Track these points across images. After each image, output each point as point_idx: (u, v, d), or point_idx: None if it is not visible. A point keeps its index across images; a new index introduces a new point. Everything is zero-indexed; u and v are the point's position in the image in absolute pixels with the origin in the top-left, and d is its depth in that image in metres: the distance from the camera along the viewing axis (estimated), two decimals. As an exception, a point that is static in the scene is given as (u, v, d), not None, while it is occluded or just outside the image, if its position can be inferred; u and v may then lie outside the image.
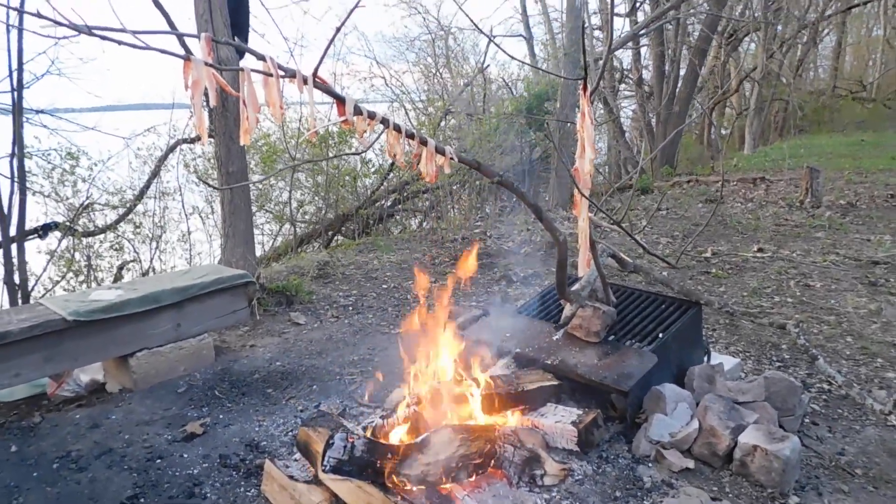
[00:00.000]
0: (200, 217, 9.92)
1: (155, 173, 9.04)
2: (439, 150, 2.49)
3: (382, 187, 10.57)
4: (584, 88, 1.97)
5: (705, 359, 3.36)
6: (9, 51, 7.36)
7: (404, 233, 8.42)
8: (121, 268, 9.04)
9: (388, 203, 10.42)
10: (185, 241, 9.47)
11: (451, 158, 2.50)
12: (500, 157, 9.16)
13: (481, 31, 4.00)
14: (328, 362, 3.86)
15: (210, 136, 9.04)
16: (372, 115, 2.33)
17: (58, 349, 3.22)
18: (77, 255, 8.75)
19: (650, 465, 2.56)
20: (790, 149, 18.59)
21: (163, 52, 1.66)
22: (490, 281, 5.39)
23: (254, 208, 10.32)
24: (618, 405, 2.76)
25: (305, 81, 2.18)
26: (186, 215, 9.53)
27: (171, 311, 3.59)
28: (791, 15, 18.20)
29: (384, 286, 5.35)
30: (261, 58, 2.12)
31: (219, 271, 3.90)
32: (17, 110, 7.48)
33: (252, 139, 10.05)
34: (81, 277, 8.62)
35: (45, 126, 8.00)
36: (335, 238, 11.07)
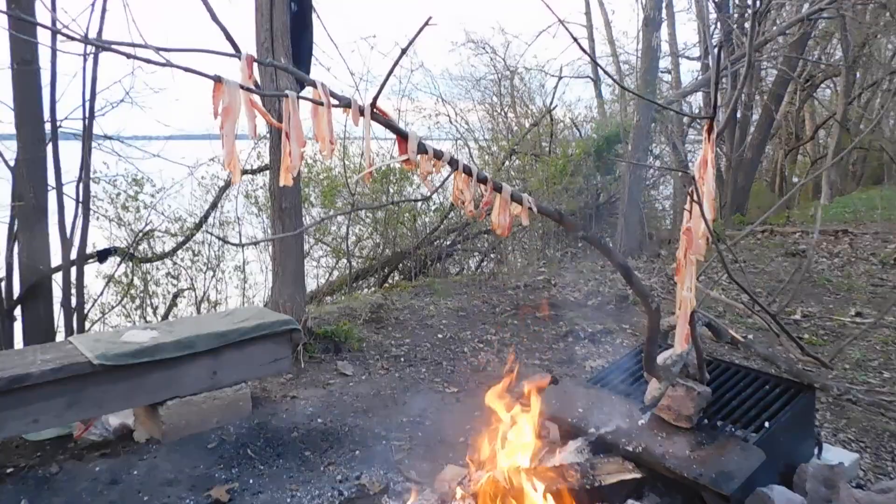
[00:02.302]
0: (257, 248, 9.81)
1: (215, 203, 8.97)
2: (515, 199, 2.11)
3: (442, 226, 10.28)
4: (709, 129, 1.57)
5: (815, 451, 2.83)
6: (84, 80, 7.45)
7: (462, 275, 8.04)
8: (176, 296, 8.96)
9: (447, 242, 10.09)
10: (242, 271, 9.36)
11: (530, 208, 2.12)
12: (567, 199, 8.75)
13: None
14: (374, 423, 3.47)
15: (265, 168, 8.93)
16: (438, 155, 1.97)
17: (82, 394, 2.95)
18: (135, 281, 8.73)
19: None
20: (868, 200, 17.50)
21: (187, 70, 1.35)
22: (555, 336, 4.93)
23: (311, 240, 10.17)
24: (715, 511, 2.28)
25: (362, 112, 1.85)
26: (243, 246, 9.42)
27: (208, 358, 3.28)
28: (874, 60, 17.32)
29: (439, 335, 4.96)
30: (311, 84, 1.80)
31: (262, 315, 3.60)
32: (87, 136, 7.54)
33: (315, 172, 9.90)
34: (137, 302, 8.57)
35: (115, 152, 8.06)
36: (391, 275, 10.80)
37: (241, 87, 1.52)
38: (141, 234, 8.89)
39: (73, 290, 7.49)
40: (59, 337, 7.30)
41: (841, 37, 15.19)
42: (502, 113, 12.33)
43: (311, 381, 4.02)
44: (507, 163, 10.89)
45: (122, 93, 8.07)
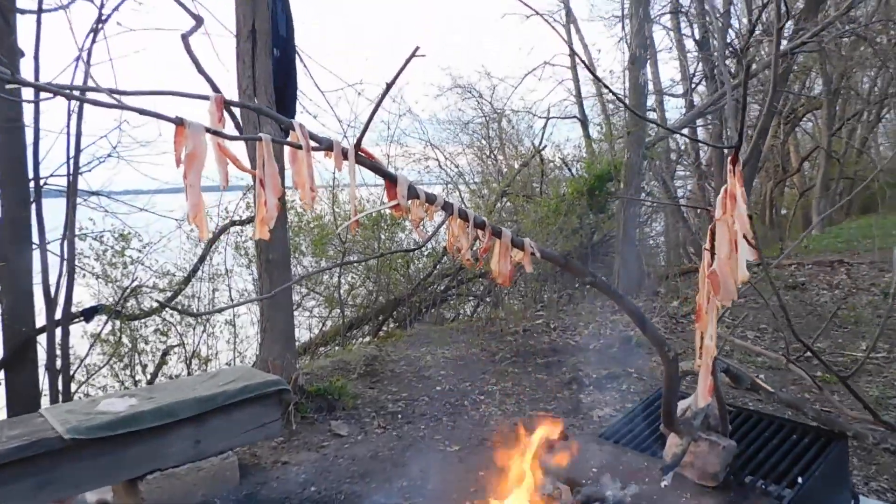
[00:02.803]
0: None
1: (203, 257, 8.77)
2: (516, 244, 1.94)
3: (436, 271, 10.10)
4: (734, 160, 1.41)
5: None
6: (68, 136, 7.34)
7: (459, 321, 7.83)
8: (165, 353, 8.68)
9: (441, 287, 9.90)
10: (232, 325, 9.11)
11: (533, 254, 1.95)
12: (562, 240, 8.61)
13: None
14: (372, 489, 3.23)
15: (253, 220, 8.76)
16: (431, 199, 1.81)
17: (55, 472, 2.70)
18: (123, 339, 8.47)
19: None
20: (859, 229, 17.47)
21: (142, 112, 1.19)
22: (558, 384, 4.71)
23: (304, 290, 9.95)
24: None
25: (345, 156, 1.68)
26: (232, 299, 9.21)
27: (190, 426, 3.05)
28: (855, 93, 17.58)
29: (438, 388, 4.73)
30: (289, 126, 1.64)
31: (248, 376, 3.38)
32: (72, 192, 7.38)
33: (305, 221, 9.72)
34: (126, 361, 8.30)
35: (101, 207, 7.91)
36: (386, 323, 10.57)
37: (208, 130, 1.36)
38: (128, 291, 8.67)
39: (59, 352, 7.23)
40: (45, 401, 7.01)
41: (821, 70, 15.40)
42: (491, 156, 12.32)
43: (304, 444, 3.77)
44: (498, 204, 10.79)
45: (108, 148, 7.98)
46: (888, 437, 3.05)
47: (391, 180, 1.76)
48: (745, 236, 1.43)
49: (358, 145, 1.69)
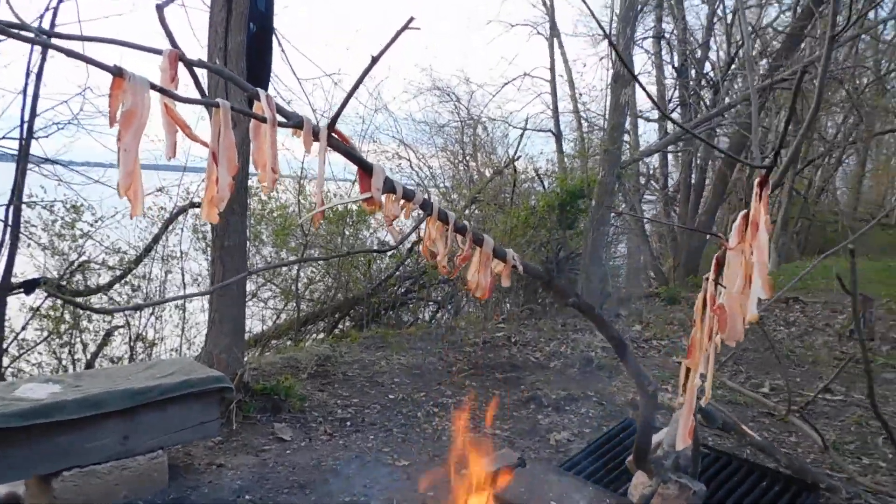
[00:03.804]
0: (199, 285, 9.23)
1: (157, 237, 8.40)
2: (499, 255, 1.75)
3: (398, 273, 9.89)
4: (763, 183, 1.25)
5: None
6: (24, 97, 6.94)
7: (417, 326, 7.62)
8: (108, 333, 8.28)
9: (402, 290, 9.68)
10: (182, 310, 8.74)
11: (514, 266, 1.76)
12: (531, 253, 8.51)
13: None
14: (311, 502, 3.00)
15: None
16: (409, 196, 1.61)
17: (-44, 463, 2.42)
18: (65, 316, 8.04)
19: None
20: (816, 271, 17.82)
21: (69, 54, 0.97)
22: (517, 402, 4.54)
23: (260, 280, 9.62)
24: None
25: (316, 136, 1.48)
26: (185, 283, 8.85)
27: (119, 420, 2.78)
28: (819, 135, 17.96)
29: (391, 396, 4.51)
30: (254, 95, 1.43)
31: (189, 370, 3.12)
32: (24, 156, 6.96)
33: (269, 209, 9.44)
34: (66, 339, 7.89)
35: (56, 176, 7.51)
36: (342, 321, 10.30)
37: (154, 87, 1.14)
38: (73, 266, 8.25)
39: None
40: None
41: (790, 109, 15.69)
42: (464, 160, 12.17)
43: (243, 446, 3.52)
44: (467, 211, 10.64)
45: (69, 115, 7.60)
46: (861, 493, 2.96)
47: (366, 169, 1.55)
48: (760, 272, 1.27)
49: (332, 126, 1.48)
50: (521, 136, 12.13)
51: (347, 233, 9.60)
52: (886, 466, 3.95)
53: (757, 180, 1.24)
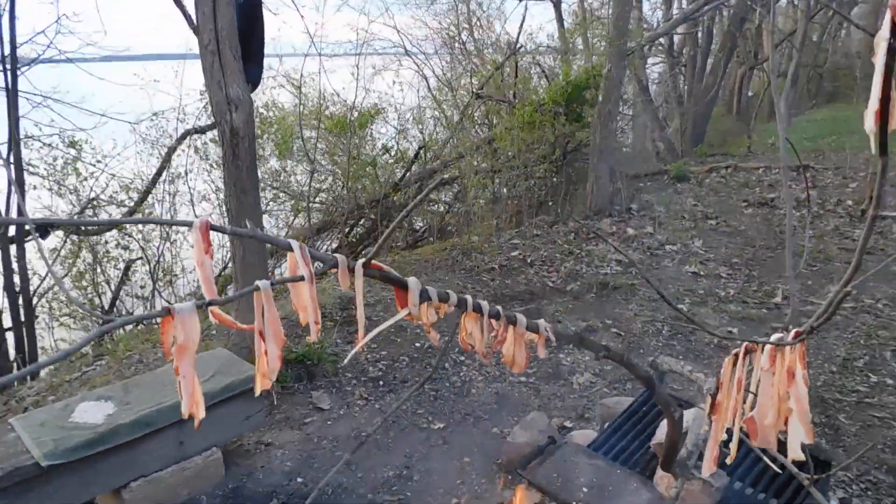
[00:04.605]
0: (211, 201, 9.32)
1: (161, 169, 8.37)
2: (531, 329, 1.81)
3: (407, 176, 9.89)
4: (798, 336, 1.25)
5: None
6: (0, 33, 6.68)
7: (433, 249, 7.71)
8: (127, 267, 8.50)
9: (411, 193, 9.65)
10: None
11: (547, 339, 1.82)
12: (542, 150, 8.44)
13: None
14: (358, 480, 3.24)
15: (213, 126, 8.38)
16: (444, 298, 1.65)
17: (30, 496, 2.61)
18: (84, 254, 8.21)
19: None
20: (826, 123, 17.47)
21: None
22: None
23: (270, 194, 9.68)
24: None
25: (352, 271, 1.50)
26: (193, 202, 8.92)
27: (172, 430, 2.97)
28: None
29: (416, 344, 4.69)
30: (286, 246, 1.43)
31: (230, 368, 3.25)
32: (13, 90, 6.80)
33: (268, 123, 9.26)
34: (88, 277, 8.11)
35: (46, 105, 7.39)
36: (353, 230, 10.44)
37: (198, 306, 1.16)
38: (85, 204, 8.29)
39: (17, 270, 6.98)
40: (7, 320, 6.80)
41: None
42: (458, 39, 11.56)
43: (286, 420, 3.74)
44: (469, 110, 10.39)
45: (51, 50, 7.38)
46: (873, 471, 3.16)
47: (402, 287, 1.58)
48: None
49: (368, 263, 1.49)
50: (522, 20, 11.55)
51: (355, 141, 9.47)
52: (893, 384, 4.16)
53: (797, 345, 1.26)
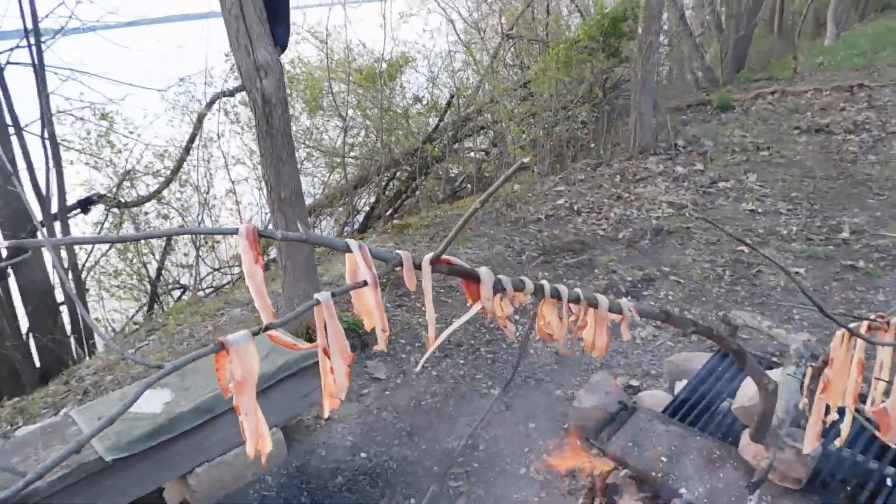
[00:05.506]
0: (247, 164, 9.26)
1: (194, 136, 8.28)
2: (614, 310, 1.64)
3: (442, 122, 9.63)
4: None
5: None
6: (20, 7, 6.57)
7: (469, 198, 7.52)
8: (170, 237, 8.54)
9: (446, 140, 9.40)
10: (234, 193, 8.86)
11: (631, 318, 1.65)
12: (583, 89, 8.10)
13: None
14: (423, 452, 3.17)
15: (241, 89, 8.25)
16: (519, 287, 1.49)
17: (98, 489, 2.60)
18: (127, 226, 8.29)
19: None
20: (878, 36, 16.30)
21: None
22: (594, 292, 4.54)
23: (304, 153, 9.56)
24: None
25: (418, 267, 1.35)
26: (228, 166, 8.85)
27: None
28: None
29: (468, 304, 4.55)
30: (344, 248, 1.28)
31: (282, 348, 3.17)
32: (40, 66, 6.73)
33: (296, 79, 9.06)
34: (133, 249, 8.19)
35: (75, 79, 7.33)
36: (389, 185, 10.30)
37: (255, 334, 1.03)
38: (123, 176, 8.30)
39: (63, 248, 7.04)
40: (59, 294, 6.88)
41: None
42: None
43: (343, 392, 3.67)
44: (500, 52, 9.98)
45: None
46: None
47: (474, 279, 1.43)
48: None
49: (436, 259, 1.34)
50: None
51: (386, 91, 9.23)
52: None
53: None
